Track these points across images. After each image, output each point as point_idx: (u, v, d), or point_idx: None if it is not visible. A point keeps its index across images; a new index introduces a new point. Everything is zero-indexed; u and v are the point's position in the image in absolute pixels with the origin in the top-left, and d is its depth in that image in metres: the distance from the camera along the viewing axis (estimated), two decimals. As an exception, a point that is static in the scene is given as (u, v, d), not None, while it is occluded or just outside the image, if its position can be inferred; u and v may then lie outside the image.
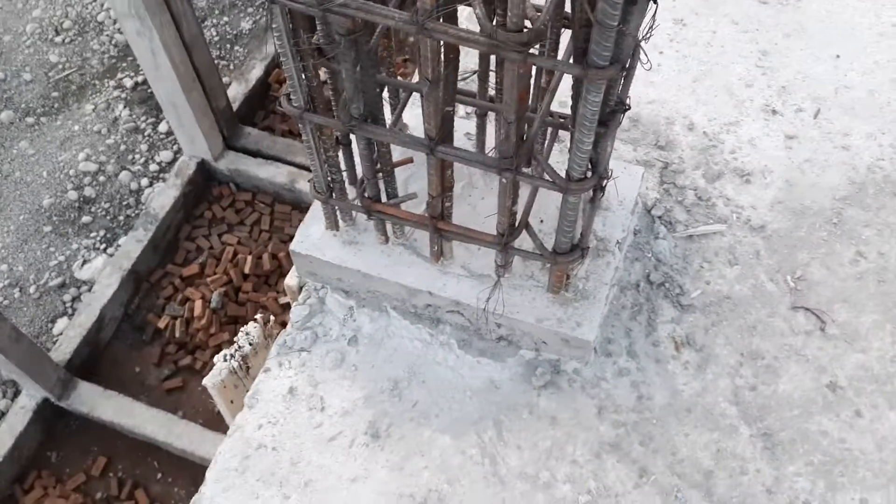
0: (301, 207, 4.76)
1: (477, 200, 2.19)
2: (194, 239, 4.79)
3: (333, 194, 1.99)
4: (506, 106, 1.47)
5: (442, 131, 1.62)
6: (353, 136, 1.82)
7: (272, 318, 2.76)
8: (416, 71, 2.00)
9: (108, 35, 5.60)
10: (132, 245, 4.60)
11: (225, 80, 4.89)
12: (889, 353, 2.13)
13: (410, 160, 2.06)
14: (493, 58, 1.87)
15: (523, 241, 1.91)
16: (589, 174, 1.62)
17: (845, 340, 2.15)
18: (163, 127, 5.23)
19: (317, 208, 2.18)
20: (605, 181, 1.91)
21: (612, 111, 1.63)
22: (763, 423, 2.05)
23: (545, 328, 2.02)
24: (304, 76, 1.64)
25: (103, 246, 4.88)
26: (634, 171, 2.24)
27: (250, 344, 2.54)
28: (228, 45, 5.49)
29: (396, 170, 1.97)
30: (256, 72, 5.04)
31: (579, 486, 1.98)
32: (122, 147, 5.23)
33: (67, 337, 4.32)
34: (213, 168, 4.80)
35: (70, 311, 4.65)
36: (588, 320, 2.02)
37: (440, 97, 1.54)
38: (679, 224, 2.34)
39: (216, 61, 4.96)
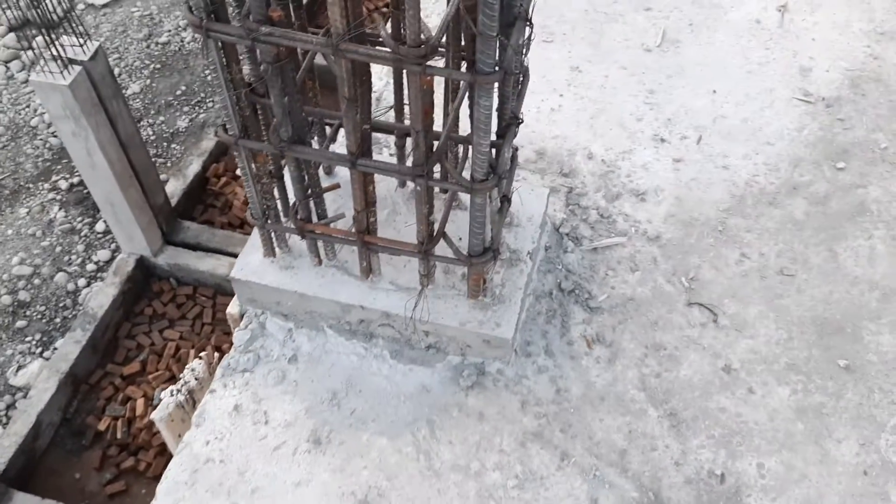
0: (245, 299, 4.78)
1: (401, 226, 2.42)
2: (134, 336, 4.69)
3: (269, 220, 2.20)
4: (413, 117, 1.72)
5: (361, 147, 1.86)
6: (285, 171, 2.05)
7: (216, 355, 2.88)
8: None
9: (41, 139, 5.68)
10: (70, 347, 4.45)
11: (162, 176, 4.97)
12: (774, 338, 2.40)
13: (337, 185, 2.29)
14: (405, 91, 2.14)
15: (443, 253, 2.14)
16: (490, 177, 1.86)
17: (735, 329, 2.42)
18: (99, 226, 5.21)
19: (254, 238, 2.38)
20: (510, 194, 2.17)
21: (508, 124, 1.90)
22: (668, 404, 2.27)
23: (468, 330, 2.22)
24: (237, 106, 1.87)
25: (39, 350, 4.76)
26: (541, 192, 2.51)
27: (196, 378, 2.66)
28: (165, 144, 5.63)
29: (326, 196, 2.19)
30: (194, 167, 5.09)
31: (507, 472, 2.15)
32: (58, 249, 5.19)
33: (1, 447, 4.14)
34: (152, 264, 4.78)
35: (4, 420, 4.50)
36: (506, 321, 2.23)
37: (357, 115, 1.79)
38: (585, 239, 2.61)
39: (153, 159, 5.06)
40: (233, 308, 2.48)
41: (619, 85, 3.05)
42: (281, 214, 2.24)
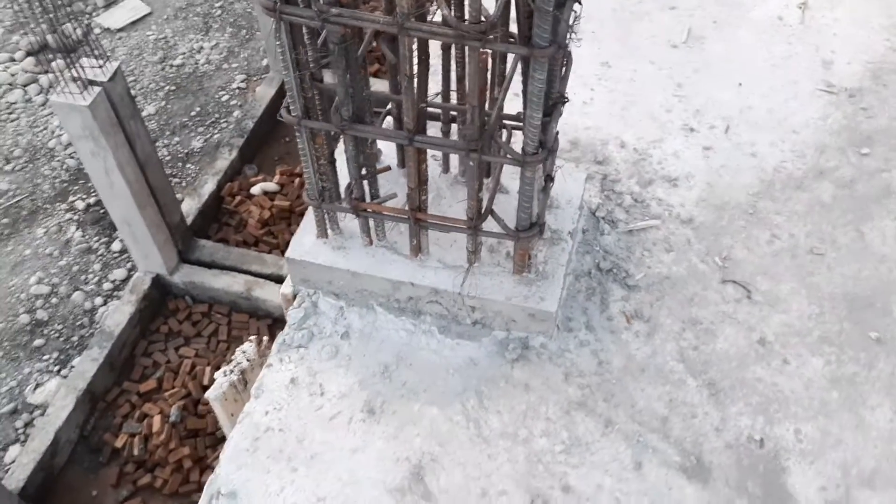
0: (258, 315, 4.71)
1: (445, 208, 2.53)
2: (150, 354, 4.71)
3: (325, 200, 2.32)
4: (470, 93, 1.84)
5: (418, 124, 1.98)
6: (337, 153, 2.17)
7: (265, 338, 2.99)
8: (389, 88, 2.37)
9: (59, 160, 5.77)
10: (87, 365, 4.46)
11: (178, 196, 5.06)
12: (806, 313, 2.50)
13: (388, 168, 2.41)
14: (453, 76, 2.26)
15: (492, 229, 2.25)
16: (540, 151, 1.98)
17: (769, 305, 2.51)
18: (116, 245, 5.26)
19: (307, 221, 2.50)
20: (553, 173, 2.28)
21: (554, 103, 2.02)
22: (706, 375, 2.36)
23: (514, 304, 2.33)
24: (300, 88, 2.00)
25: (57, 368, 4.79)
26: (578, 177, 2.62)
27: (248, 360, 2.77)
28: (180, 164, 5.74)
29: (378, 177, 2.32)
30: (209, 186, 5.16)
31: (554, 439, 2.25)
32: (75, 268, 5.23)
33: (20, 464, 4.11)
34: (168, 282, 4.81)
35: (22, 437, 4.54)
36: (550, 295, 2.34)
37: (416, 94, 1.91)
38: (620, 222, 2.72)
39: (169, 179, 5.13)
40: (286, 288, 2.59)
41: (647, 79, 3.17)
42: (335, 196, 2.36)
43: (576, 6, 1.79)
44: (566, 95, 2.05)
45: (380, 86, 3.98)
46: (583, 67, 3.19)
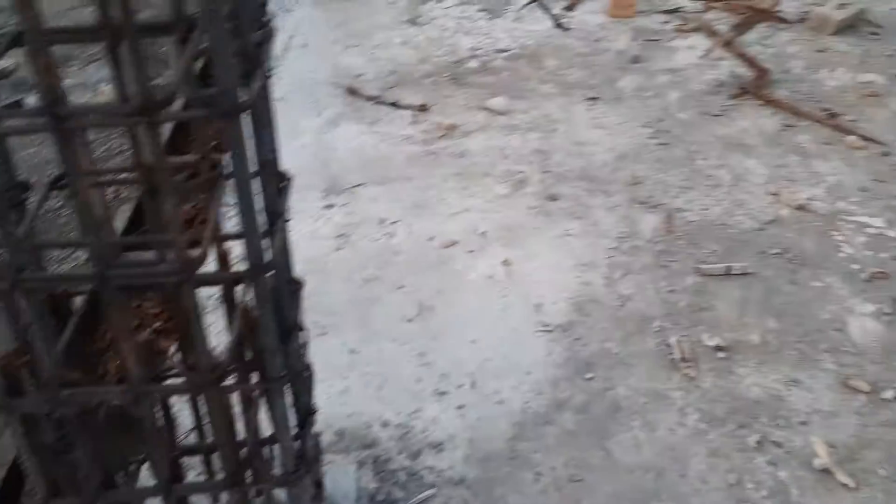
0: None
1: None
2: None
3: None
4: (217, 433, 1.92)
5: (171, 473, 1.99)
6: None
7: None
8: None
9: None
10: None
11: None
12: (585, 539, 2.68)
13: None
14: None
15: None
16: (301, 467, 2.06)
17: (551, 542, 2.67)
18: None
19: None
20: (321, 478, 2.36)
21: (305, 415, 2.15)
22: None
23: None
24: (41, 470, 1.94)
25: None
26: (349, 470, 2.72)
27: None
28: None
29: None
30: None
31: None
32: None
33: None
34: None
35: None
36: None
37: (163, 447, 1.94)
38: (400, 500, 2.81)
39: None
40: None
41: (393, 356, 3.45)
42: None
43: (301, 332, 1.99)
44: (314, 406, 2.19)
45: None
46: (333, 358, 3.41)
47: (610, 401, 3.22)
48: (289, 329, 2.00)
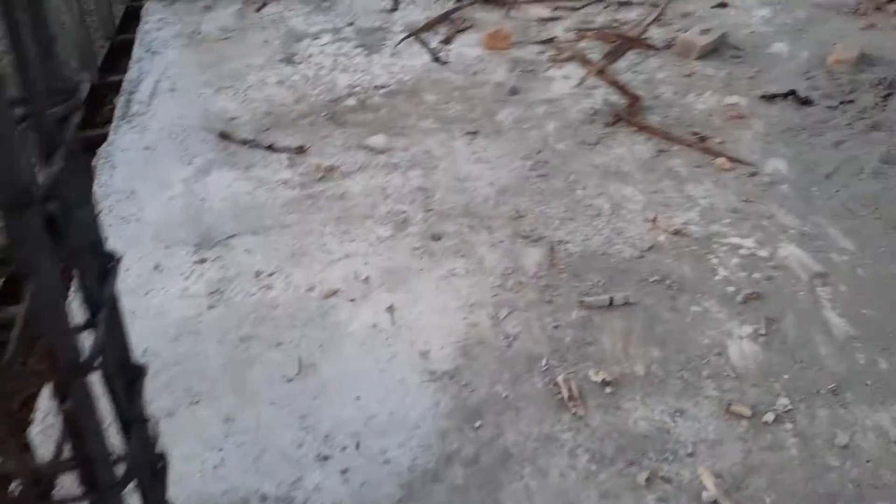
0: None
1: None
2: None
3: None
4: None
5: None
6: None
7: None
8: None
9: None
10: None
11: None
12: None
13: None
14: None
15: None
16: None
17: None
18: None
19: None
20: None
21: (155, 517, 1.94)
22: None
23: None
24: None
25: None
26: (222, 557, 2.50)
27: None
28: None
29: None
30: None
31: None
32: None
33: None
34: None
35: None
36: None
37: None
38: (282, 583, 2.61)
39: None
40: None
41: (272, 421, 3.25)
42: None
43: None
44: (169, 501, 1.99)
45: None
46: (206, 430, 3.18)
47: (500, 449, 3.12)
48: (128, 423, 1.81)
